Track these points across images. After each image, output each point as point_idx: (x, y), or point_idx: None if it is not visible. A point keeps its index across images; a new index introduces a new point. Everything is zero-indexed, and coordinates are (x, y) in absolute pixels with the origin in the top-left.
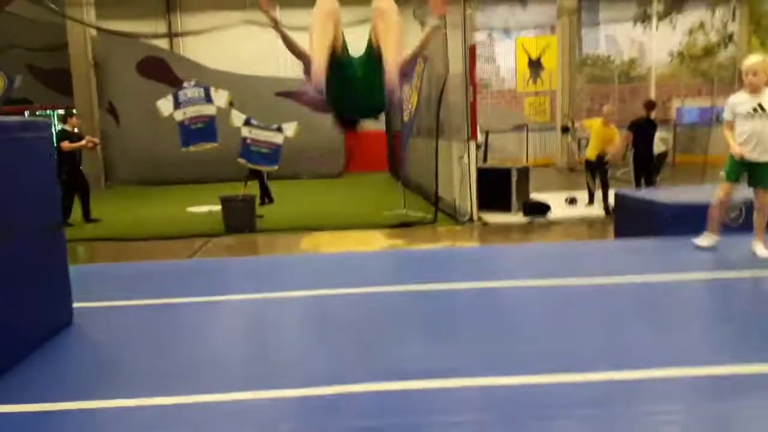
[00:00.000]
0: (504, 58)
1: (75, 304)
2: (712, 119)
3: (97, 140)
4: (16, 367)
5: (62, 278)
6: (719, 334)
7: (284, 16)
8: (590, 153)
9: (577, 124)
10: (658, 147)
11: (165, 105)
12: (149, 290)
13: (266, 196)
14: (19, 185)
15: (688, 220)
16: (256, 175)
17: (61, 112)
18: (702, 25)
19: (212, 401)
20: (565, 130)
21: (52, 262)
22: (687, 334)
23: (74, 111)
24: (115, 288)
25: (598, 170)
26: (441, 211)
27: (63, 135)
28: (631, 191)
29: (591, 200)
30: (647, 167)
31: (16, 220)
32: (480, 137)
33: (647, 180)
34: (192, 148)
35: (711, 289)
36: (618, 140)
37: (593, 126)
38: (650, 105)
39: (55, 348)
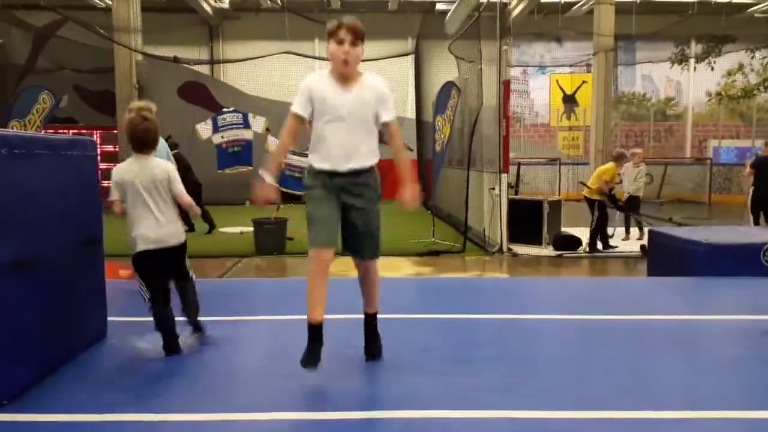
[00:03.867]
0: (538, 94)
1: (110, 318)
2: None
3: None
4: (51, 377)
5: (99, 292)
6: (749, 378)
7: (322, 47)
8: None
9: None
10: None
11: (204, 129)
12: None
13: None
14: (62, 200)
15: (723, 260)
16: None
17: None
18: (741, 67)
19: (238, 419)
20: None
21: (90, 276)
22: (716, 376)
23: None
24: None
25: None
26: (470, 240)
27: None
28: (666, 229)
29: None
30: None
31: (54, 234)
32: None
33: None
34: (228, 171)
35: (744, 331)
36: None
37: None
38: None
39: (88, 360)
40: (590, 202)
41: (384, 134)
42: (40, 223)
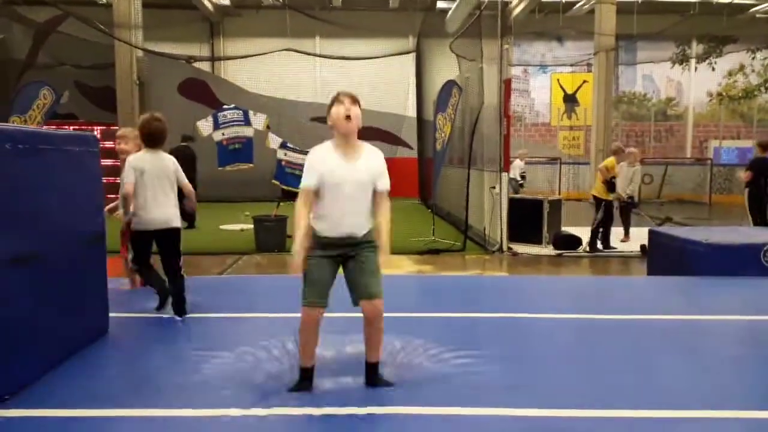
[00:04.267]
0: (539, 93)
1: (111, 314)
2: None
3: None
4: (52, 372)
5: (100, 288)
6: (750, 378)
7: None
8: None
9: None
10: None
11: (205, 125)
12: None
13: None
14: (64, 196)
15: (724, 260)
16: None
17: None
18: (742, 68)
19: (237, 415)
20: (610, 187)
21: (92, 272)
22: (716, 376)
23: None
24: (149, 300)
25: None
26: (470, 239)
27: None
28: (666, 229)
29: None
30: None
31: (57, 229)
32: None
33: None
34: (228, 168)
35: (744, 330)
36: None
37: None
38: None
39: (90, 355)
40: (598, 202)
41: (374, 198)
42: (42, 218)
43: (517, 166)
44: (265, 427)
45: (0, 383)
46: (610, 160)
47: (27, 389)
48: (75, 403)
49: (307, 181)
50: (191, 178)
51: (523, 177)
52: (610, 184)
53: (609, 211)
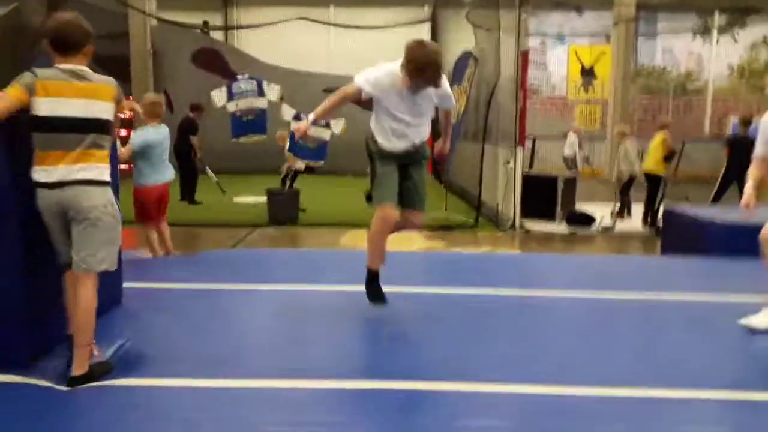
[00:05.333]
0: (556, 65)
1: (124, 284)
2: None
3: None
4: (67, 342)
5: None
6: (765, 359)
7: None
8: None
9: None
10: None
11: (219, 96)
12: (194, 275)
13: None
14: None
15: (740, 239)
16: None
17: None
18: (765, 40)
19: (247, 386)
20: (668, 157)
21: None
22: (730, 356)
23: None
24: (161, 271)
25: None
26: (483, 216)
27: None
28: (682, 208)
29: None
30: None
31: None
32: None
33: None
34: (242, 140)
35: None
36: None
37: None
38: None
39: (103, 325)
40: (649, 178)
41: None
42: None
43: (572, 143)
44: (272, 397)
45: (19, 350)
46: (663, 133)
47: (42, 357)
48: None
49: (362, 85)
50: (187, 146)
51: (585, 159)
52: (667, 159)
53: (658, 188)
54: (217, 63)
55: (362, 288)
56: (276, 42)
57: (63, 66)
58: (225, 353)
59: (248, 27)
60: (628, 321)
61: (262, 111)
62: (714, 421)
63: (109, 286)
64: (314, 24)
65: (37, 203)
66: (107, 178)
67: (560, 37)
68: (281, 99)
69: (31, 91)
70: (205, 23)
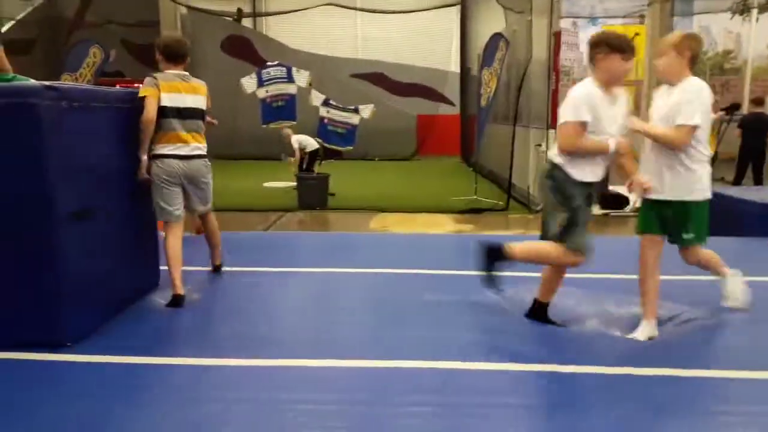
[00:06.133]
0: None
1: (161, 268)
2: None
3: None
4: (109, 323)
5: (153, 242)
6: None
7: None
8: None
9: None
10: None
11: (248, 82)
12: (228, 258)
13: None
14: (117, 152)
15: None
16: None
17: None
18: None
19: (278, 365)
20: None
21: (145, 226)
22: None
23: None
24: (195, 255)
25: None
26: (513, 198)
27: None
28: (717, 188)
29: None
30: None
31: (111, 184)
32: None
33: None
34: (272, 125)
35: None
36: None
37: None
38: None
39: (142, 307)
40: None
41: None
42: (98, 174)
43: None
44: (292, 377)
45: (63, 331)
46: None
47: (87, 337)
48: (130, 351)
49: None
50: None
51: None
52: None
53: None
54: (246, 50)
55: (391, 270)
56: (304, 28)
57: (172, 71)
58: (256, 333)
59: (276, 13)
60: (662, 302)
61: (292, 97)
62: (729, 398)
63: (148, 269)
64: (342, 9)
65: (157, 170)
66: None
67: (593, 18)
68: (310, 84)
69: (157, 88)
70: (239, 11)
